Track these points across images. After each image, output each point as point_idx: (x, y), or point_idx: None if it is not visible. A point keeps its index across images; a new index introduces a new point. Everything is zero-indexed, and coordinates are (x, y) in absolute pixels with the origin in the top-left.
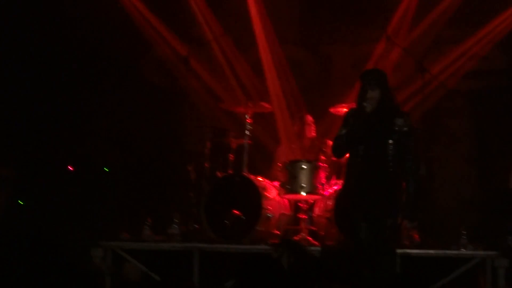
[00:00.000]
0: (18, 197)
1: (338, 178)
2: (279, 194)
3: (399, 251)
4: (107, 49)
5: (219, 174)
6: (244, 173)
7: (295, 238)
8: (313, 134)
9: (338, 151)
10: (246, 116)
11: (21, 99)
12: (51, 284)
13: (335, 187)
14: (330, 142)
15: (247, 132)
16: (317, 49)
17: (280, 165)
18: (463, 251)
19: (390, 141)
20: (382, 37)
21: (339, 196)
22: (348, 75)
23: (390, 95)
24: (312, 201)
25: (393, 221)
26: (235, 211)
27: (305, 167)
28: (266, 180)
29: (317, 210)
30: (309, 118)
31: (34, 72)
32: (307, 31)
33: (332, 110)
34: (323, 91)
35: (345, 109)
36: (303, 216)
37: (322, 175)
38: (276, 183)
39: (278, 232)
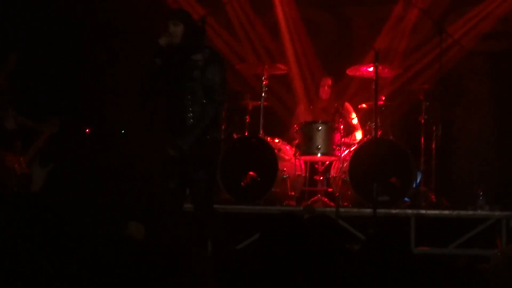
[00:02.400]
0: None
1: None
2: (294, 156)
3: (413, 211)
4: (124, 11)
5: (235, 135)
6: (260, 135)
7: (311, 199)
8: (326, 96)
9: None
10: (262, 78)
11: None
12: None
13: (351, 148)
14: (348, 104)
15: (263, 94)
16: (335, 11)
17: (296, 126)
18: (479, 212)
19: (189, 79)
20: None
21: (355, 157)
22: (366, 36)
23: (193, 34)
24: (328, 163)
25: (205, 173)
26: (251, 173)
27: (320, 128)
28: (282, 142)
29: (333, 172)
30: (325, 81)
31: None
32: None
33: (349, 71)
34: (341, 53)
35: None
36: (319, 178)
37: (338, 136)
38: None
39: (294, 194)
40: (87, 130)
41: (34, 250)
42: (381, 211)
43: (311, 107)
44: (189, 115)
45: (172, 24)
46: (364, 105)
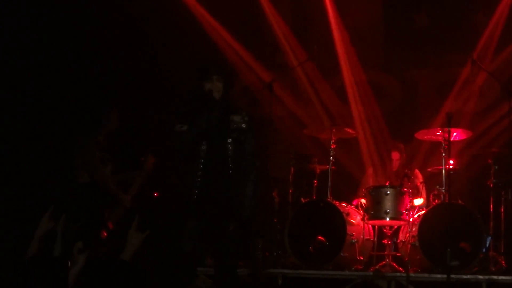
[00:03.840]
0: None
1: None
2: (363, 220)
3: (484, 277)
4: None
5: (303, 199)
6: (328, 199)
7: (380, 264)
8: (395, 168)
9: (181, 150)
10: (330, 141)
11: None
12: None
13: (420, 213)
14: (417, 171)
15: (331, 158)
16: (401, 74)
17: (364, 190)
18: None
19: (229, 140)
20: (468, 61)
21: (424, 221)
22: (433, 100)
23: (230, 92)
24: (396, 227)
25: (234, 227)
26: (319, 237)
27: (389, 192)
28: (350, 206)
29: (401, 236)
30: (394, 155)
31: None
32: (392, 57)
33: (417, 135)
34: (408, 116)
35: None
36: (387, 242)
37: (407, 200)
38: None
39: (362, 258)
40: (155, 194)
41: None
42: (452, 276)
43: (378, 171)
44: (231, 178)
45: (216, 78)
46: (431, 169)
